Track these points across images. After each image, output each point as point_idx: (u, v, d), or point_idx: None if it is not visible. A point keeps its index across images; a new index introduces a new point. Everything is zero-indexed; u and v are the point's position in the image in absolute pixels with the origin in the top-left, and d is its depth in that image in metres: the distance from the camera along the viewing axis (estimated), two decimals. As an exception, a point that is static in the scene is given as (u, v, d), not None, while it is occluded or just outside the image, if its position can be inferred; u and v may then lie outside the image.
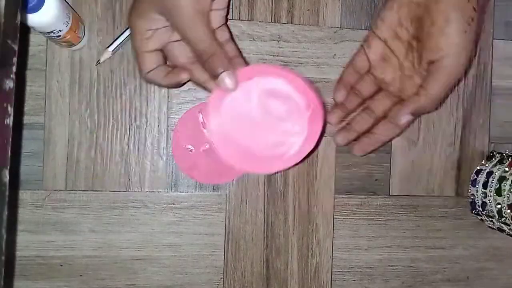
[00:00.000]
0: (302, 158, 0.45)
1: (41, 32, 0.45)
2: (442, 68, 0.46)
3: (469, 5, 0.45)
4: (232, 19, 0.55)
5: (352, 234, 0.57)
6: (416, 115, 0.50)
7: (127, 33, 0.52)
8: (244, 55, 0.55)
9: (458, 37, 0.45)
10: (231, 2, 0.55)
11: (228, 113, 0.44)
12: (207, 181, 0.55)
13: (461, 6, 0.45)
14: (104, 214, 0.54)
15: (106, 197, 0.54)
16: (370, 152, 0.54)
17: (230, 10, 0.55)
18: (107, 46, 0.52)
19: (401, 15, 0.49)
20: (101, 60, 0.52)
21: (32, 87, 0.52)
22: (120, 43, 0.52)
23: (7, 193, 0.34)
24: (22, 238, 0.52)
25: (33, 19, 0.42)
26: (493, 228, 0.57)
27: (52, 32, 0.45)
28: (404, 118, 0.49)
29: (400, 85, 0.51)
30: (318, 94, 0.47)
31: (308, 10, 0.56)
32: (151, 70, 0.44)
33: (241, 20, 0.55)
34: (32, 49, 0.52)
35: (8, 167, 0.34)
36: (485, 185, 0.56)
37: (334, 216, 0.57)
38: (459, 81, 0.52)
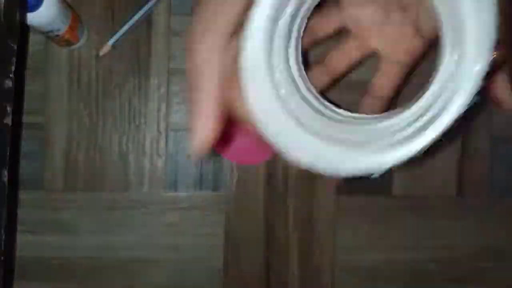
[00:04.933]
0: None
1: (40, 31, 0.45)
2: None
3: None
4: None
5: (353, 234, 0.57)
6: None
7: (127, 26, 0.52)
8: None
9: None
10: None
11: None
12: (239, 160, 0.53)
13: None
14: (103, 214, 0.53)
15: (105, 197, 0.53)
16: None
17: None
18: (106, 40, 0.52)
19: None
20: (101, 54, 0.52)
21: (31, 86, 0.52)
22: (120, 36, 0.52)
23: (6, 193, 0.34)
24: (21, 238, 0.52)
25: (32, 18, 0.41)
26: None
27: (51, 31, 0.45)
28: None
29: (376, 32, 0.39)
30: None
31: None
32: None
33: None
34: (31, 48, 0.52)
35: (7, 167, 0.34)
36: None
37: (335, 216, 0.57)
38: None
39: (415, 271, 0.59)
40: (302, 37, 0.31)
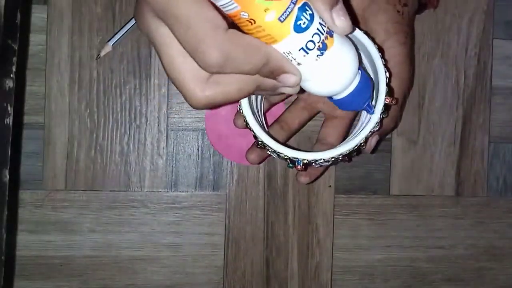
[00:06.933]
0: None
1: None
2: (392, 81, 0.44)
3: (403, 21, 0.46)
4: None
5: (352, 234, 0.57)
6: (383, 136, 0.48)
7: (127, 26, 0.52)
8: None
9: (399, 47, 0.45)
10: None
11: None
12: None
13: (397, 20, 0.45)
14: (104, 214, 0.54)
15: (106, 197, 0.54)
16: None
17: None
18: (107, 40, 0.52)
19: None
20: (101, 54, 0.52)
21: (32, 86, 0.52)
22: (120, 37, 0.52)
23: (7, 193, 0.34)
24: (22, 238, 0.52)
25: None
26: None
27: None
28: (373, 144, 0.46)
29: (319, 97, 0.47)
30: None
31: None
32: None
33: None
34: (32, 48, 0.52)
35: (8, 167, 0.34)
36: None
37: (334, 216, 0.57)
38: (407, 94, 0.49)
39: (413, 271, 0.59)
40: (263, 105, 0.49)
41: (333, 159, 0.40)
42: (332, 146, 0.47)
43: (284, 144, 0.42)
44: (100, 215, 0.54)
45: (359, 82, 0.35)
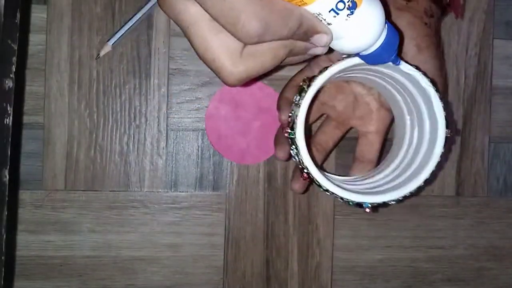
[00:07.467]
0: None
1: None
2: None
3: (431, 32, 0.45)
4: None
5: (352, 234, 0.57)
6: None
7: (127, 26, 0.52)
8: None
9: (432, 61, 0.45)
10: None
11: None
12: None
13: (426, 33, 0.45)
14: (103, 214, 0.53)
15: (105, 197, 0.54)
16: None
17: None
18: (106, 40, 0.52)
19: None
20: (101, 54, 0.52)
21: (31, 86, 0.52)
22: (120, 36, 0.52)
23: (6, 193, 0.34)
24: (21, 238, 0.52)
25: None
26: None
27: None
28: None
29: (350, 113, 0.49)
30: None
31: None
32: None
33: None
34: (32, 48, 0.52)
35: (8, 167, 0.34)
36: None
37: (335, 216, 0.57)
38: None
39: (413, 271, 0.59)
40: None
41: (402, 198, 0.42)
42: (372, 163, 0.49)
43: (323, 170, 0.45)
44: (100, 215, 0.53)
45: (387, 35, 0.35)
